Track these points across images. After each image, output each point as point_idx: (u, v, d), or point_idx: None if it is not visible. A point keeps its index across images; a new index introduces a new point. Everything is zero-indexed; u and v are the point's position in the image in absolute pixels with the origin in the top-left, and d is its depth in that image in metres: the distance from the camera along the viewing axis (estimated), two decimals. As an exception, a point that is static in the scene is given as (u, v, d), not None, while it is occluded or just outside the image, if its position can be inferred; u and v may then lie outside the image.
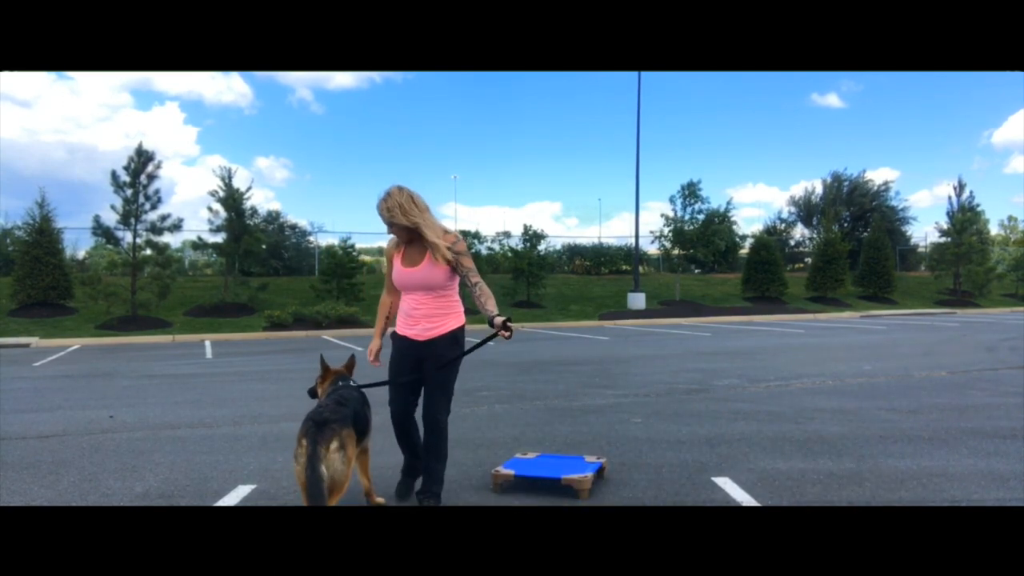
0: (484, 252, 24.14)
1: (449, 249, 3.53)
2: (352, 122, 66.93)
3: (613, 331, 17.43)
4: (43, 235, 18.93)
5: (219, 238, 20.50)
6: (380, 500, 3.85)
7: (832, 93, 64.51)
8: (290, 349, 13.94)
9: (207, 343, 15.71)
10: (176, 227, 19.17)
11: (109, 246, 20.04)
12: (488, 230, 41.70)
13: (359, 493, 4.02)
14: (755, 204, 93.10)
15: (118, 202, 18.68)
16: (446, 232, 3.61)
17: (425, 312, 3.65)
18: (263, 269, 24.88)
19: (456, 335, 3.68)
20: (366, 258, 21.55)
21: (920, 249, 36.40)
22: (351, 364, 3.89)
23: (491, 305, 3.53)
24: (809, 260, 31.04)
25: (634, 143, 30.75)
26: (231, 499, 3.95)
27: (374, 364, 3.87)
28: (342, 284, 20.91)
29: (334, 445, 3.13)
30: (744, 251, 30.33)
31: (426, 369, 3.68)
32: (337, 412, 3.30)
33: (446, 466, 3.83)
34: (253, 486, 4.16)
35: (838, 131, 63.16)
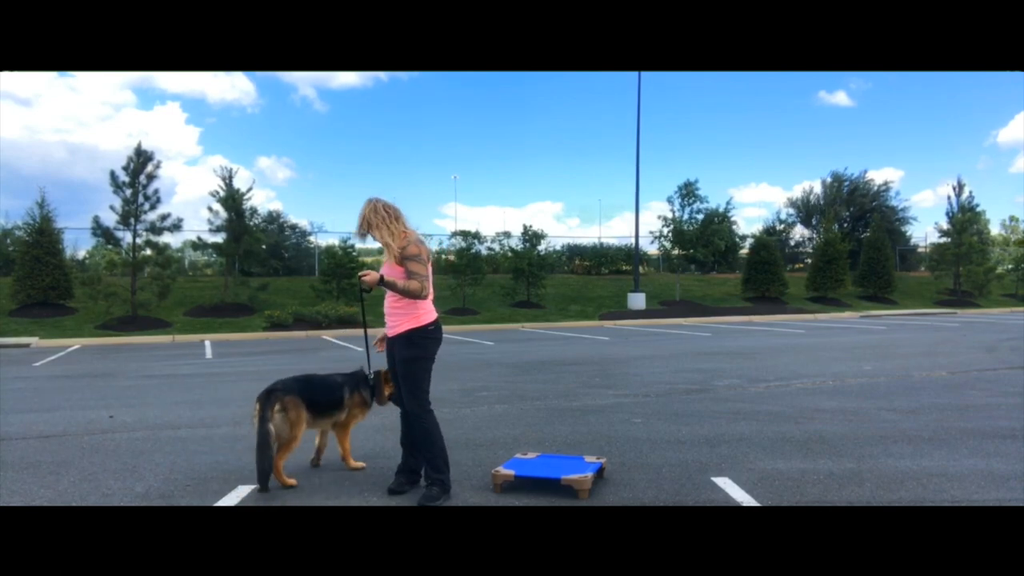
0: (484, 252, 24.11)
1: (400, 250, 3.86)
2: (354, 121, 66.82)
3: (613, 331, 17.43)
4: (43, 235, 18.92)
5: (219, 238, 20.51)
6: (358, 464, 4.54)
7: (840, 91, 64.30)
8: (290, 349, 13.94)
9: (207, 343, 15.71)
10: (176, 227, 19.18)
11: (109, 246, 20.03)
12: (489, 230, 41.74)
13: (356, 492, 4.03)
14: (758, 204, 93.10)
15: (118, 202, 18.72)
16: (404, 235, 3.93)
17: (389, 310, 4.00)
18: (263, 269, 24.87)
19: (411, 336, 3.92)
20: (366, 258, 21.53)
21: (920, 249, 36.40)
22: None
23: (396, 281, 3.82)
24: (809, 260, 31.04)
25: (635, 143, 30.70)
26: (231, 499, 3.95)
27: (378, 349, 4.30)
28: (342, 284, 20.91)
29: (277, 407, 4.06)
30: (744, 251, 30.32)
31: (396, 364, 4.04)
32: (284, 384, 4.20)
33: (446, 460, 3.91)
34: (253, 486, 4.16)
35: (843, 130, 62.93)
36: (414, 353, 3.92)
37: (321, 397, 4.36)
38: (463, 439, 5.29)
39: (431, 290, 3.94)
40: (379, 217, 3.90)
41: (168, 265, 19.29)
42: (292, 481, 4.17)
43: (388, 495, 3.96)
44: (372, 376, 4.51)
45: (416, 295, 3.84)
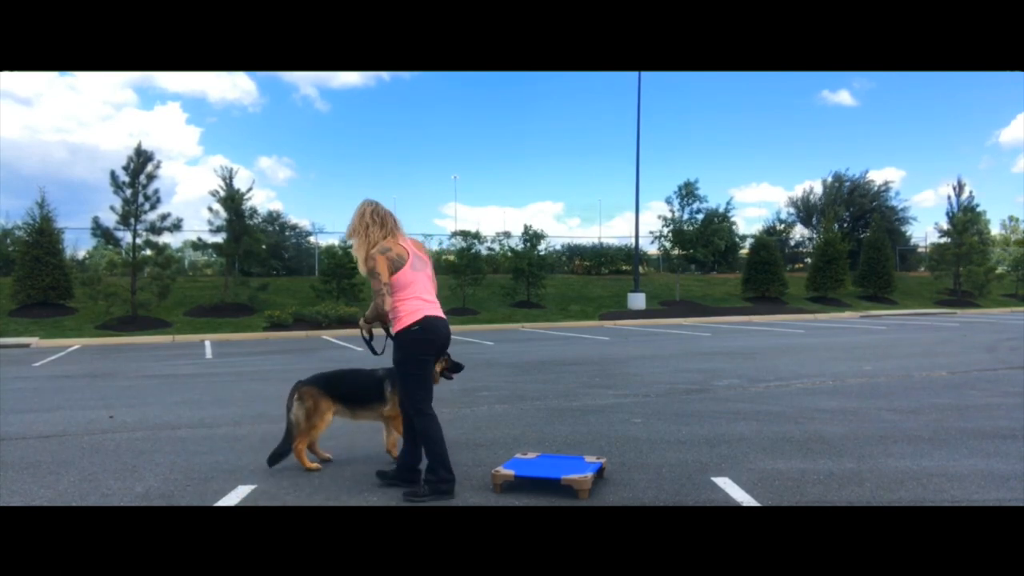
0: (484, 252, 24.11)
1: (364, 264, 3.98)
2: (355, 121, 66.69)
3: (613, 331, 17.43)
4: (43, 235, 18.93)
5: (219, 238, 20.52)
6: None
7: (844, 90, 64.09)
8: (290, 349, 13.94)
9: (207, 343, 15.71)
10: (176, 227, 19.21)
11: (109, 246, 20.05)
12: (489, 230, 41.70)
13: (356, 491, 4.03)
14: (759, 204, 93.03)
15: (118, 202, 18.74)
16: (375, 244, 3.96)
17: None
18: (263, 269, 24.88)
19: (397, 338, 3.98)
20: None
21: (920, 249, 36.40)
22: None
23: (370, 313, 4.13)
24: (809, 260, 31.04)
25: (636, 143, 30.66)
26: (231, 499, 3.95)
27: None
28: (342, 284, 20.92)
29: (296, 397, 4.50)
30: (744, 251, 30.32)
31: None
32: (313, 377, 4.62)
33: (443, 462, 3.87)
34: (253, 486, 4.16)
35: (846, 130, 62.66)
36: (400, 355, 3.96)
37: (353, 391, 4.58)
38: (463, 439, 5.29)
39: (404, 293, 3.89)
40: (363, 224, 3.96)
41: (168, 265, 19.29)
42: (314, 465, 4.51)
43: (376, 476, 4.12)
44: None
45: (382, 311, 3.93)
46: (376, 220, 3.95)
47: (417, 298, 3.91)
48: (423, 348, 3.94)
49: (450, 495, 3.87)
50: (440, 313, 4.02)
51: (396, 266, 3.87)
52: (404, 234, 4.10)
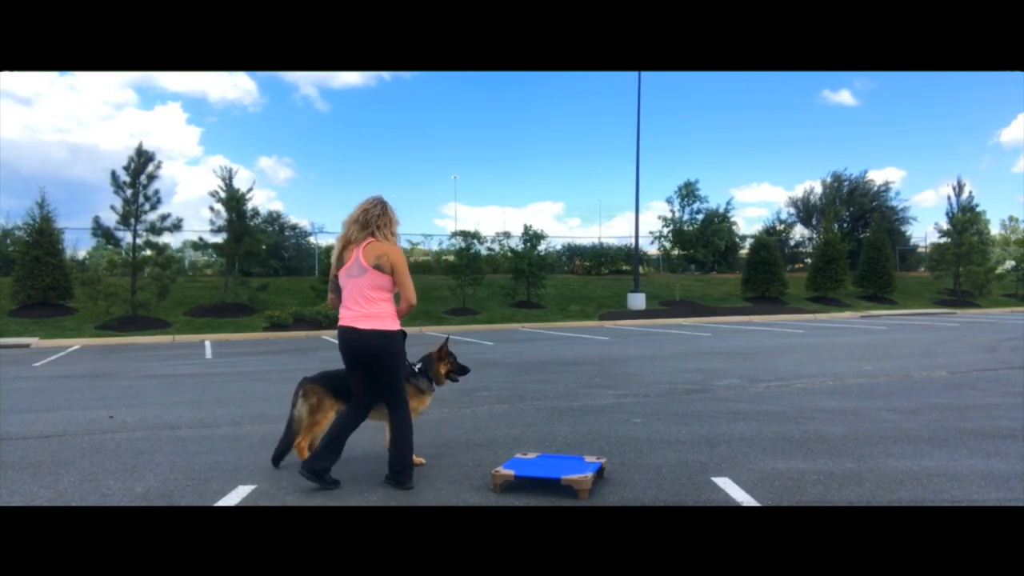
0: (484, 252, 24.11)
1: None
2: (355, 121, 66.79)
3: (613, 331, 17.43)
4: (43, 235, 18.94)
5: (220, 238, 20.52)
6: (418, 460, 4.57)
7: (845, 90, 64.19)
8: (290, 349, 13.95)
9: (207, 343, 15.71)
10: (176, 227, 19.21)
11: (109, 246, 20.05)
12: (489, 230, 41.70)
13: (356, 491, 4.03)
14: (759, 204, 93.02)
15: (118, 202, 18.74)
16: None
17: None
18: (263, 269, 24.86)
19: None
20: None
21: (920, 249, 36.40)
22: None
23: None
24: (809, 260, 31.04)
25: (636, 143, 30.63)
26: (231, 499, 3.95)
27: None
28: (342, 284, 20.90)
29: (300, 394, 4.55)
30: (744, 251, 30.32)
31: None
32: (319, 374, 4.63)
33: (326, 447, 4.07)
34: (253, 486, 4.17)
35: (847, 130, 62.74)
36: None
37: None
38: (463, 439, 5.29)
39: (339, 300, 4.19)
40: (351, 220, 4.17)
41: (168, 265, 19.30)
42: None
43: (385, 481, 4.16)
44: (419, 364, 4.65)
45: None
46: (359, 220, 4.12)
47: (343, 306, 4.16)
48: (341, 350, 4.19)
49: (322, 472, 4.02)
50: (360, 324, 4.03)
51: (336, 268, 4.20)
52: (390, 237, 4.17)
